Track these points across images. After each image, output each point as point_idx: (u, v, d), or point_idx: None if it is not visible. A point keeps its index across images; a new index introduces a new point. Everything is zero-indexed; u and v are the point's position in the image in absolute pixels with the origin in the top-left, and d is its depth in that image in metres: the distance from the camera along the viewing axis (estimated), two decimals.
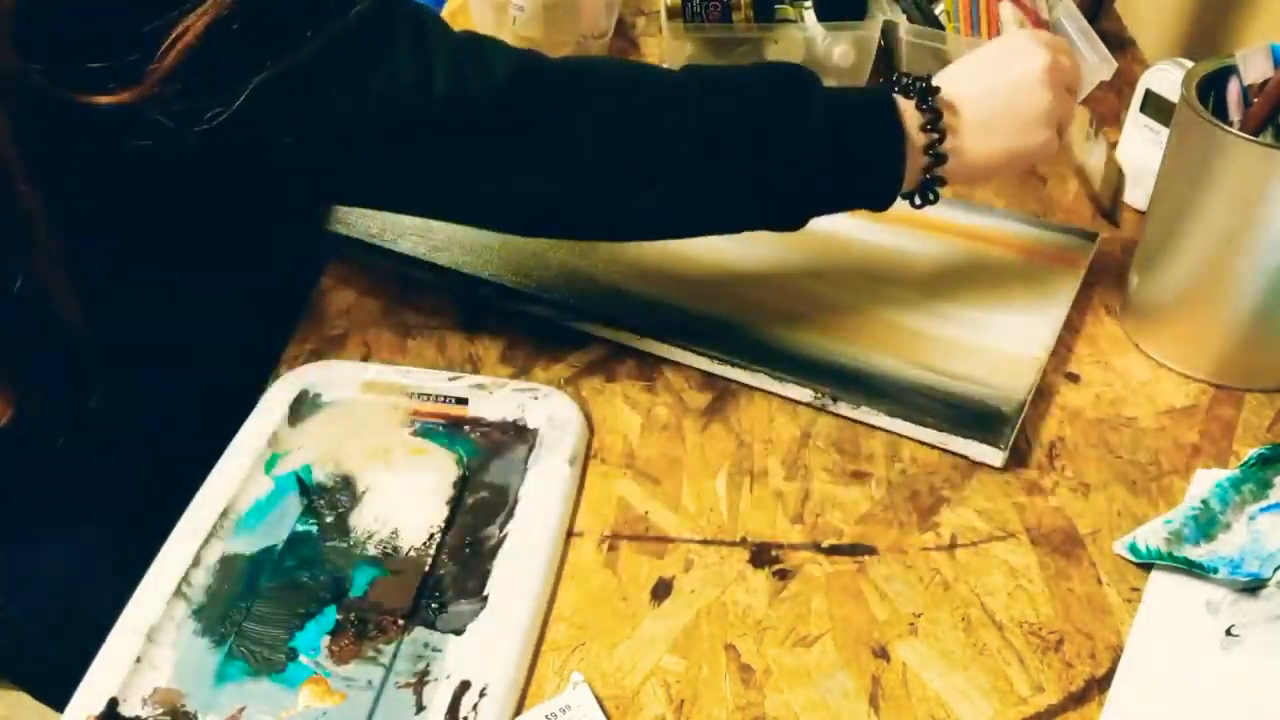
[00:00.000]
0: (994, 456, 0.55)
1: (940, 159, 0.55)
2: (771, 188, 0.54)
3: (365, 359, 0.63)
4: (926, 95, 0.54)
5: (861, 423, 0.59)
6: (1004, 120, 0.56)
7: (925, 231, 0.70)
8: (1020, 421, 0.57)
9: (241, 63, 0.44)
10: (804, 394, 0.59)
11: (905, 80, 0.55)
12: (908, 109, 0.54)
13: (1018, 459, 0.57)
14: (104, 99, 0.43)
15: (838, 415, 0.59)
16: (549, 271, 0.67)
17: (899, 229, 0.71)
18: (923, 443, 0.57)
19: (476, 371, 0.62)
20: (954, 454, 0.57)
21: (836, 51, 0.80)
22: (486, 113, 0.49)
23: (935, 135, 0.54)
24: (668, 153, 0.51)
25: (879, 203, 0.56)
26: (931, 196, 0.56)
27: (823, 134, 0.53)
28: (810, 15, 0.82)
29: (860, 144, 0.54)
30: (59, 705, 0.46)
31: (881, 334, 0.62)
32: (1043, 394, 0.60)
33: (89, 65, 0.42)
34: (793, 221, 0.56)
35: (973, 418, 0.57)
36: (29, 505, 0.61)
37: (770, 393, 0.60)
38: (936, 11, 0.83)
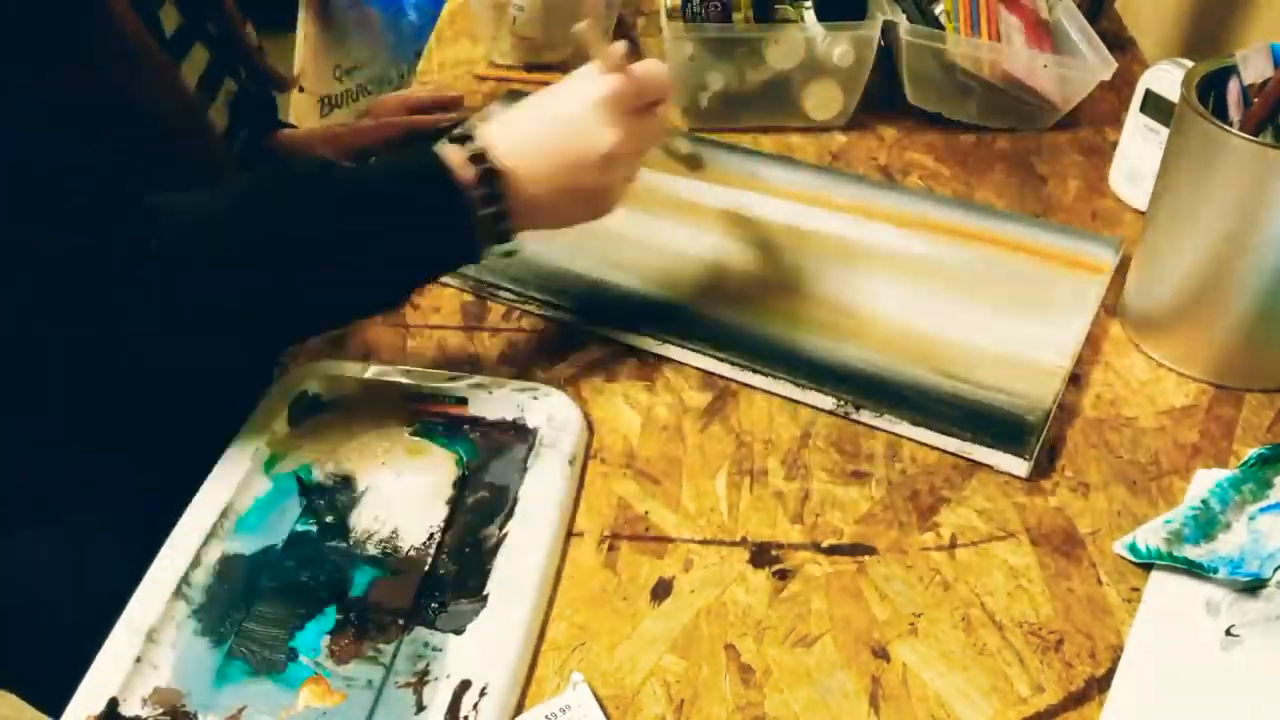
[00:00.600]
0: (1019, 466, 0.55)
1: (502, 214, 0.54)
2: (346, 282, 0.53)
3: (365, 359, 0.63)
4: (489, 181, 0.53)
5: (862, 423, 0.59)
6: (565, 196, 0.55)
7: (947, 238, 0.70)
8: (1045, 431, 0.57)
9: None
10: (826, 401, 0.59)
11: (460, 143, 0.53)
12: (459, 164, 0.53)
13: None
14: None
15: (859, 422, 0.58)
16: (566, 280, 0.67)
17: (919, 235, 0.70)
18: (934, 447, 0.57)
19: (477, 371, 0.62)
20: (958, 456, 0.57)
21: (836, 51, 0.80)
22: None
23: (487, 190, 0.53)
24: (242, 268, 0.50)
25: (459, 264, 0.56)
26: (507, 244, 0.55)
27: (377, 215, 0.52)
28: (810, 15, 0.82)
29: (421, 219, 0.53)
30: (53, 711, 0.45)
31: (904, 342, 0.62)
32: None
33: None
34: (390, 301, 0.59)
35: (996, 427, 0.56)
36: (24, 505, 0.61)
37: (771, 393, 0.60)
38: (936, 11, 0.83)
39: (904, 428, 0.57)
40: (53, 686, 0.47)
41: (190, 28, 0.69)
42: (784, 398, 0.60)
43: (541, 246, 0.69)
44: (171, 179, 0.50)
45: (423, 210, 0.53)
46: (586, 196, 0.57)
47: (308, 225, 0.51)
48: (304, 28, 1.26)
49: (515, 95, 0.88)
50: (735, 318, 0.64)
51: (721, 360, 0.61)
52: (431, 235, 0.54)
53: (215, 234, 0.49)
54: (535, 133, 0.55)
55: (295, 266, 0.50)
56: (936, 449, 0.57)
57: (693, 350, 0.62)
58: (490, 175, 0.53)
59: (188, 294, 0.48)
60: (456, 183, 0.52)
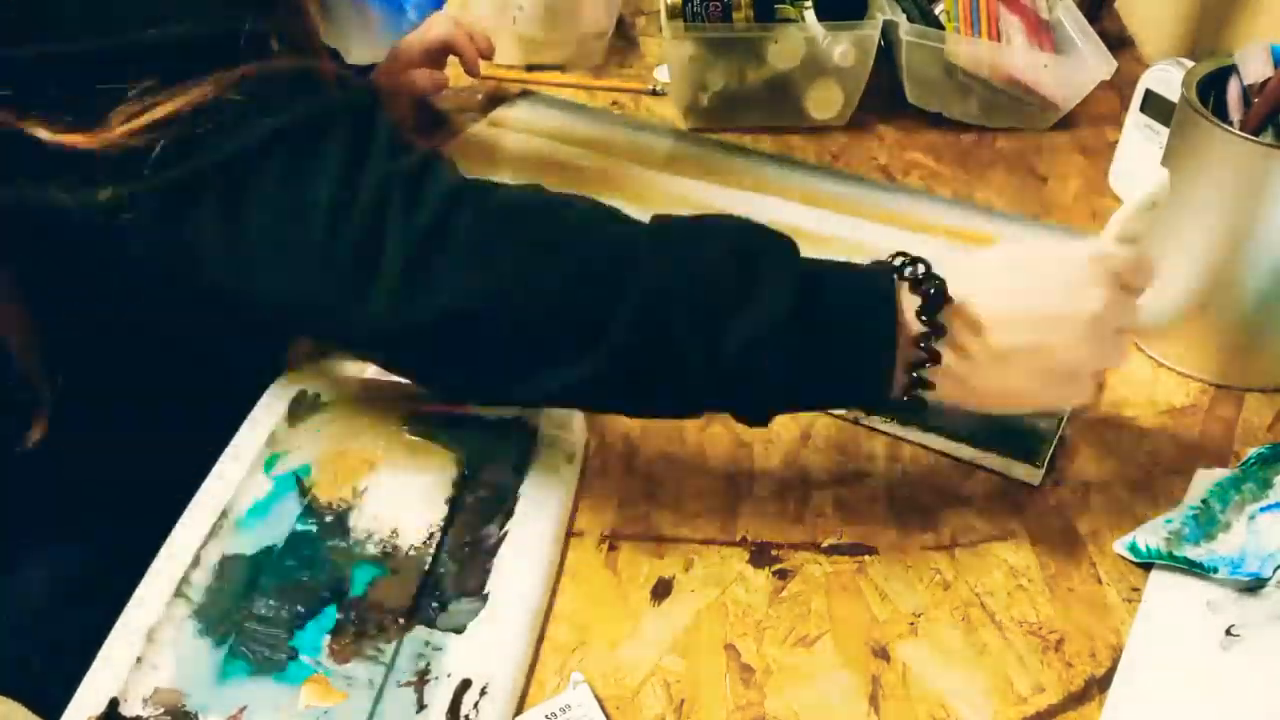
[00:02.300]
0: (1031, 475, 0.55)
1: (924, 383, 0.44)
2: (715, 379, 0.43)
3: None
4: (935, 303, 0.43)
5: (863, 424, 0.59)
6: (1025, 359, 0.44)
7: (960, 243, 0.70)
8: (1058, 439, 0.56)
9: (174, 151, 0.41)
10: (836, 408, 0.59)
11: (911, 269, 0.44)
12: (907, 305, 0.44)
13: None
14: (43, 133, 0.40)
15: (868, 428, 0.58)
16: None
17: (932, 239, 0.70)
18: (942, 453, 0.57)
19: None
20: (961, 460, 0.57)
21: (837, 51, 0.80)
22: (400, 252, 0.42)
23: (925, 353, 0.43)
24: (603, 316, 0.42)
25: (855, 404, 0.48)
26: (916, 408, 0.45)
27: (792, 324, 0.42)
28: (811, 15, 0.82)
29: (839, 343, 0.43)
30: (51, 714, 0.45)
31: None
32: None
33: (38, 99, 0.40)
34: (756, 418, 0.47)
35: (1009, 435, 0.56)
36: (23, 506, 0.61)
37: None
38: (936, 11, 0.83)
39: (914, 434, 0.57)
40: (53, 692, 0.46)
41: None
42: None
43: None
44: None
45: (849, 329, 0.43)
46: (1051, 371, 0.45)
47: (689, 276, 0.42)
48: None
49: (526, 95, 0.88)
50: None
51: None
52: (839, 364, 0.44)
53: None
54: (1005, 276, 0.45)
55: (687, 335, 0.42)
56: (937, 450, 0.57)
57: None
58: (938, 337, 0.43)
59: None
60: (899, 324, 0.43)
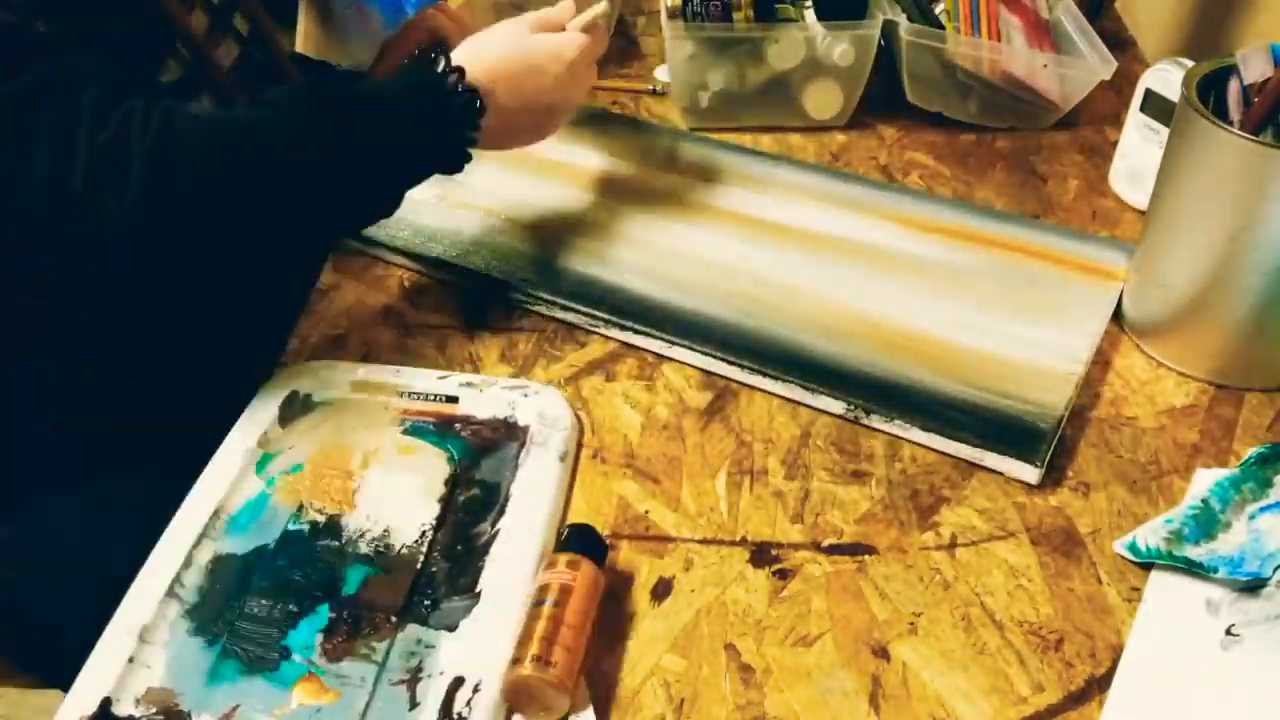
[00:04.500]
0: (1030, 474, 0.55)
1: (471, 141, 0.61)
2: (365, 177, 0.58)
3: (365, 359, 0.62)
4: (473, 108, 0.60)
5: (869, 426, 0.58)
6: (526, 120, 0.64)
7: (959, 242, 0.70)
8: (1057, 438, 0.56)
9: None
10: (836, 406, 0.58)
11: (433, 58, 0.60)
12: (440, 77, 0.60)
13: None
14: None
15: (865, 425, 0.58)
16: (570, 280, 0.67)
17: (931, 239, 0.70)
18: (935, 449, 0.57)
19: (477, 371, 0.61)
20: (960, 457, 0.56)
21: (837, 51, 0.80)
22: (126, 218, 0.49)
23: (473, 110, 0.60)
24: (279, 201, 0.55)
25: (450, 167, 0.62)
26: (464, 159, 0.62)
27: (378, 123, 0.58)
28: (811, 14, 0.82)
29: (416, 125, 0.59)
30: (54, 681, 0.45)
31: (915, 347, 0.61)
32: None
33: None
34: (390, 202, 0.60)
35: (1008, 433, 0.56)
36: (50, 451, 0.62)
37: (770, 393, 0.60)
38: (936, 11, 0.83)
39: (915, 433, 0.57)
40: (68, 665, 0.46)
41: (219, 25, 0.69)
42: (787, 399, 0.60)
43: (545, 246, 0.69)
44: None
45: (417, 118, 0.59)
46: (543, 112, 0.65)
47: (309, 130, 0.55)
48: (303, 27, 1.26)
49: None
50: (744, 319, 0.63)
51: (731, 363, 0.61)
52: (422, 142, 0.59)
53: (217, 129, 0.53)
54: (501, 52, 0.63)
55: (290, 167, 0.54)
56: (937, 449, 0.57)
57: (701, 352, 0.61)
58: (468, 92, 0.60)
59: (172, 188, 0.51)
60: (445, 92, 0.59)
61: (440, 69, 0.60)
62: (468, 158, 0.62)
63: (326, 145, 0.55)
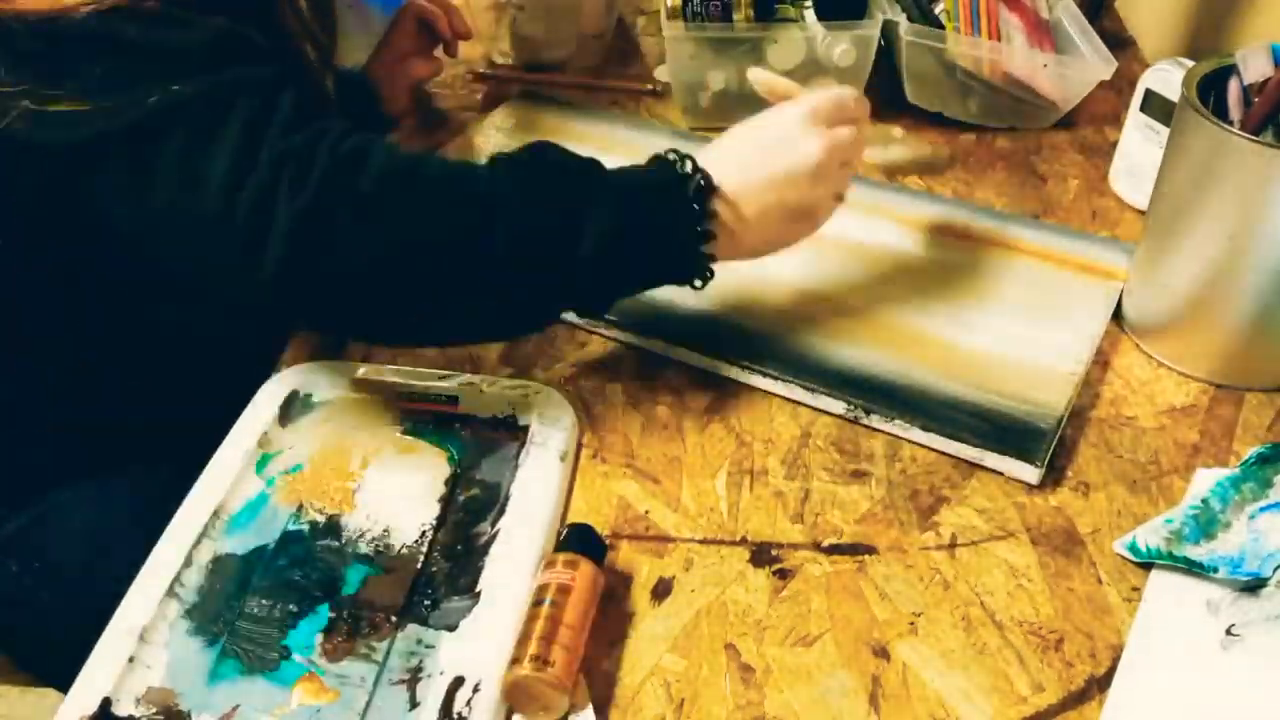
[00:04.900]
0: (1030, 474, 0.55)
1: (708, 255, 0.54)
2: (574, 285, 0.53)
3: (365, 359, 0.62)
4: (701, 195, 0.53)
5: (869, 426, 0.58)
6: (774, 214, 0.55)
7: (960, 242, 0.70)
8: (1057, 438, 0.56)
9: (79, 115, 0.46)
10: (836, 406, 0.58)
11: (680, 164, 0.53)
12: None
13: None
14: None
15: (868, 427, 0.58)
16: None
17: (933, 239, 0.70)
18: (936, 449, 0.57)
19: (477, 371, 0.61)
20: (960, 457, 0.56)
21: (837, 51, 0.80)
22: (288, 224, 0.47)
23: (705, 232, 0.53)
24: (479, 255, 0.50)
25: (682, 281, 0.55)
26: (702, 284, 0.55)
27: (620, 232, 0.51)
28: (810, 14, 0.82)
29: (656, 235, 0.53)
30: (56, 681, 0.45)
31: (915, 347, 0.61)
32: None
33: None
34: (600, 308, 0.56)
35: (1008, 433, 0.56)
36: (55, 453, 0.62)
37: (770, 393, 0.60)
38: (936, 11, 0.83)
39: (915, 433, 0.57)
40: (67, 665, 0.46)
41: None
42: (787, 399, 0.60)
43: None
44: None
45: (661, 227, 0.53)
46: (796, 214, 0.56)
47: (543, 204, 0.50)
48: None
49: (528, 96, 0.87)
50: (744, 320, 0.63)
51: (731, 363, 0.61)
52: (659, 252, 0.53)
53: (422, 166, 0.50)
54: (743, 151, 0.55)
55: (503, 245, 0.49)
56: (937, 450, 0.57)
57: (701, 352, 0.61)
58: (701, 194, 0.53)
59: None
60: (684, 197, 0.52)
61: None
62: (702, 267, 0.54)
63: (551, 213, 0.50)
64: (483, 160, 0.53)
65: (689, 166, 0.53)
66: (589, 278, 0.52)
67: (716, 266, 0.55)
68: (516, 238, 0.49)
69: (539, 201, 0.50)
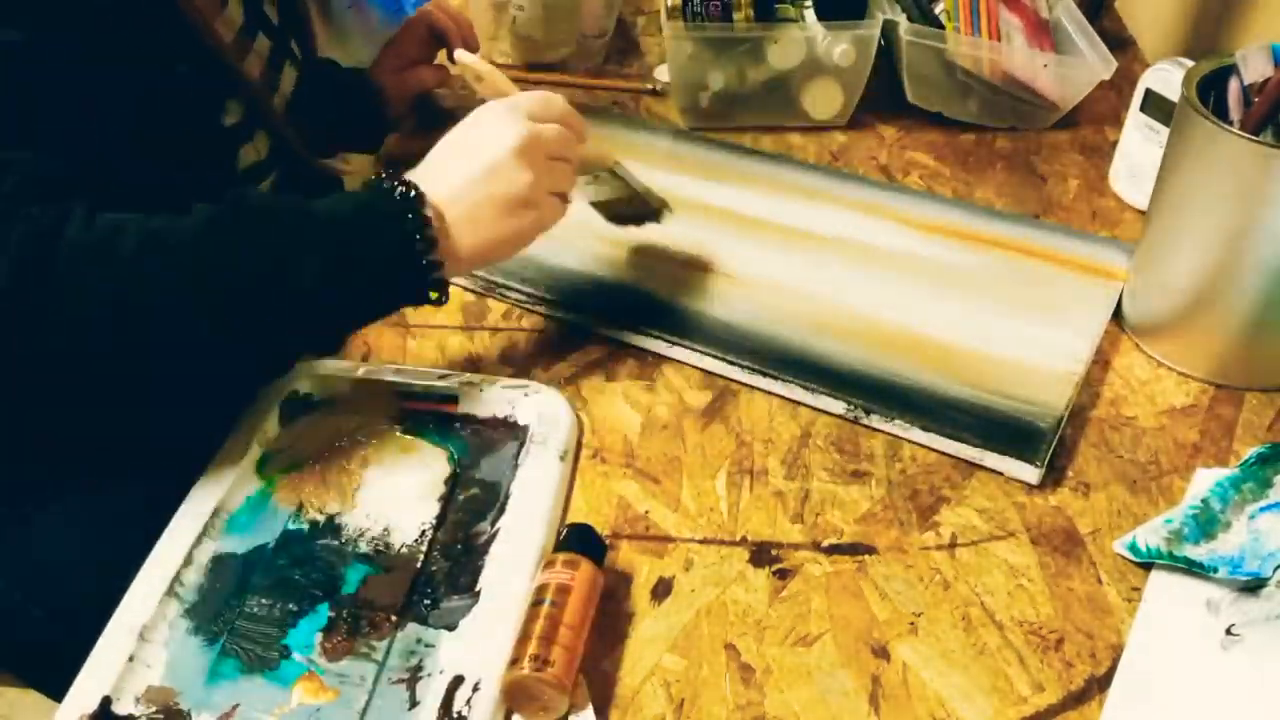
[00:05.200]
0: (1030, 474, 0.55)
1: (434, 265, 0.53)
2: (304, 324, 0.52)
3: (365, 359, 0.62)
4: (411, 203, 0.52)
5: (868, 426, 0.58)
6: (486, 209, 0.54)
7: (959, 242, 0.70)
8: (1057, 438, 0.56)
9: None
10: (836, 406, 0.58)
11: (388, 187, 0.53)
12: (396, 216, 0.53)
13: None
14: None
15: (868, 427, 0.58)
16: (570, 279, 0.66)
17: (932, 239, 0.70)
18: (936, 449, 0.57)
19: (477, 371, 0.61)
20: (960, 457, 0.56)
21: (837, 50, 0.80)
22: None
23: (426, 243, 0.52)
24: (191, 323, 0.49)
25: (416, 298, 0.54)
26: (437, 296, 0.54)
27: (331, 265, 0.51)
28: (811, 14, 0.82)
29: (374, 255, 0.52)
30: (52, 690, 0.45)
31: (915, 347, 0.61)
32: None
33: None
34: (329, 346, 0.57)
35: (1009, 433, 0.56)
36: (43, 461, 0.61)
37: (770, 393, 0.60)
38: (936, 10, 0.83)
39: (915, 433, 0.57)
40: (65, 672, 0.46)
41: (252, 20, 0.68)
42: (787, 399, 0.60)
43: (546, 247, 0.69)
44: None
45: (376, 253, 0.52)
46: (510, 206, 0.55)
47: (251, 255, 0.49)
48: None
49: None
50: (744, 320, 0.63)
51: (732, 364, 0.61)
52: (381, 277, 0.53)
53: (161, 248, 0.48)
54: (446, 156, 0.56)
55: (231, 294, 0.49)
56: (937, 449, 0.57)
57: (701, 352, 0.61)
58: (411, 203, 0.52)
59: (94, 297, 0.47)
60: (404, 226, 0.52)
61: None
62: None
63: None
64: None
65: (394, 181, 0.53)
66: (315, 314, 0.52)
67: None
68: (231, 293, 0.49)
69: (246, 251, 0.49)
